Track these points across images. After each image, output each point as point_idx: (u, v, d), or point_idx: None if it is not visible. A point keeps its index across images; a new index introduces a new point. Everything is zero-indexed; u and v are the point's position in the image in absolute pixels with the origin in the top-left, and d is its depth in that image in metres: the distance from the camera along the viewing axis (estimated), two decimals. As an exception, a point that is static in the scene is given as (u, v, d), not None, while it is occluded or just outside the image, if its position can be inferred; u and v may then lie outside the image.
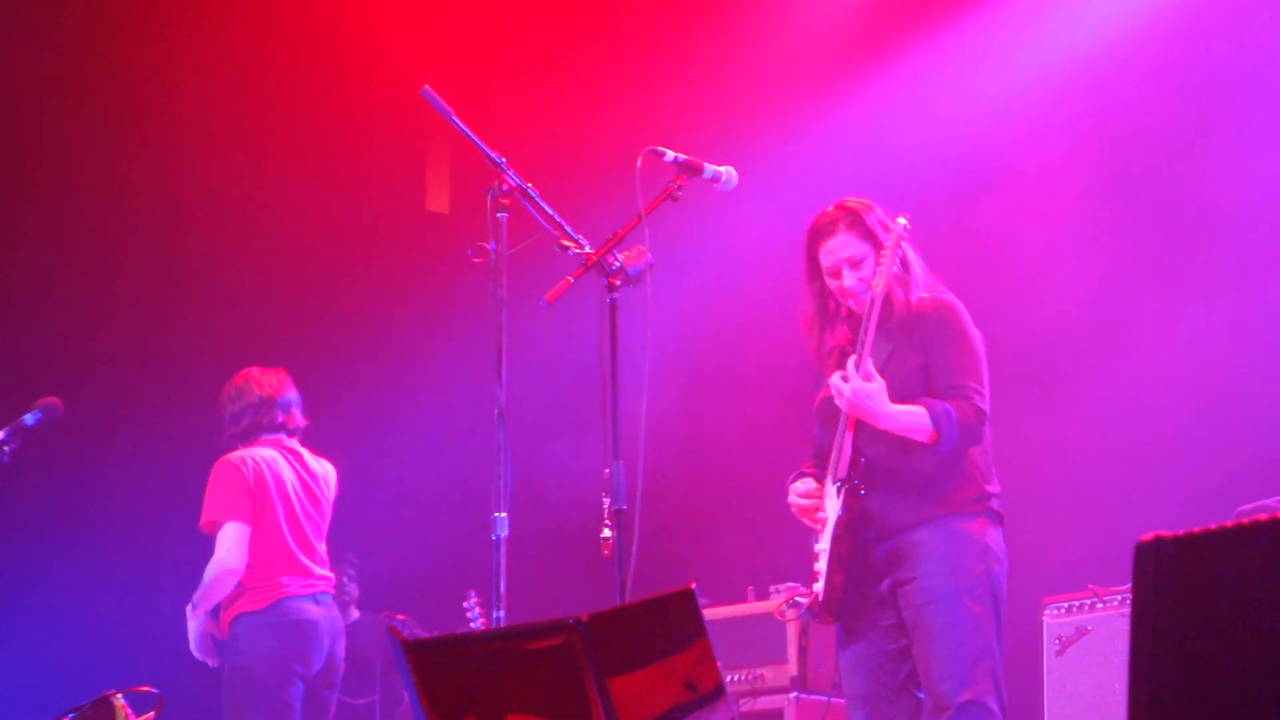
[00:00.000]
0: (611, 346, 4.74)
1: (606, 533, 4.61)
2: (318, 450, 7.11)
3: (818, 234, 5.24)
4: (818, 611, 5.14)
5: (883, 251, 5.08)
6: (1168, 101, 8.01)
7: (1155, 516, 5.42)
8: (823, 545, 5.13)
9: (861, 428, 5.07)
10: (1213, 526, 2.04)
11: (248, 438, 6.86)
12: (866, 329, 5.00)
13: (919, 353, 5.10)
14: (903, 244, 5.12)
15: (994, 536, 5.08)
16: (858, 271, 5.16)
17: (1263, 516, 2.08)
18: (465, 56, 9.05)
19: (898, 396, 5.01)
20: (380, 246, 9.79)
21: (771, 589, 7.58)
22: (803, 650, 5.66)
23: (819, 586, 5.11)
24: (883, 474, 5.07)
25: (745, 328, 8.78)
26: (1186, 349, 7.73)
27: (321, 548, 6.93)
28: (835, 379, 5.03)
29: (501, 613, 4.65)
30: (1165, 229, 7.97)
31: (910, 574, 5.01)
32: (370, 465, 8.99)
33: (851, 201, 5.27)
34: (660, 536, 7.90)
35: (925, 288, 5.20)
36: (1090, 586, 6.80)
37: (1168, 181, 7.91)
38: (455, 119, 4.89)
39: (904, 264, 5.17)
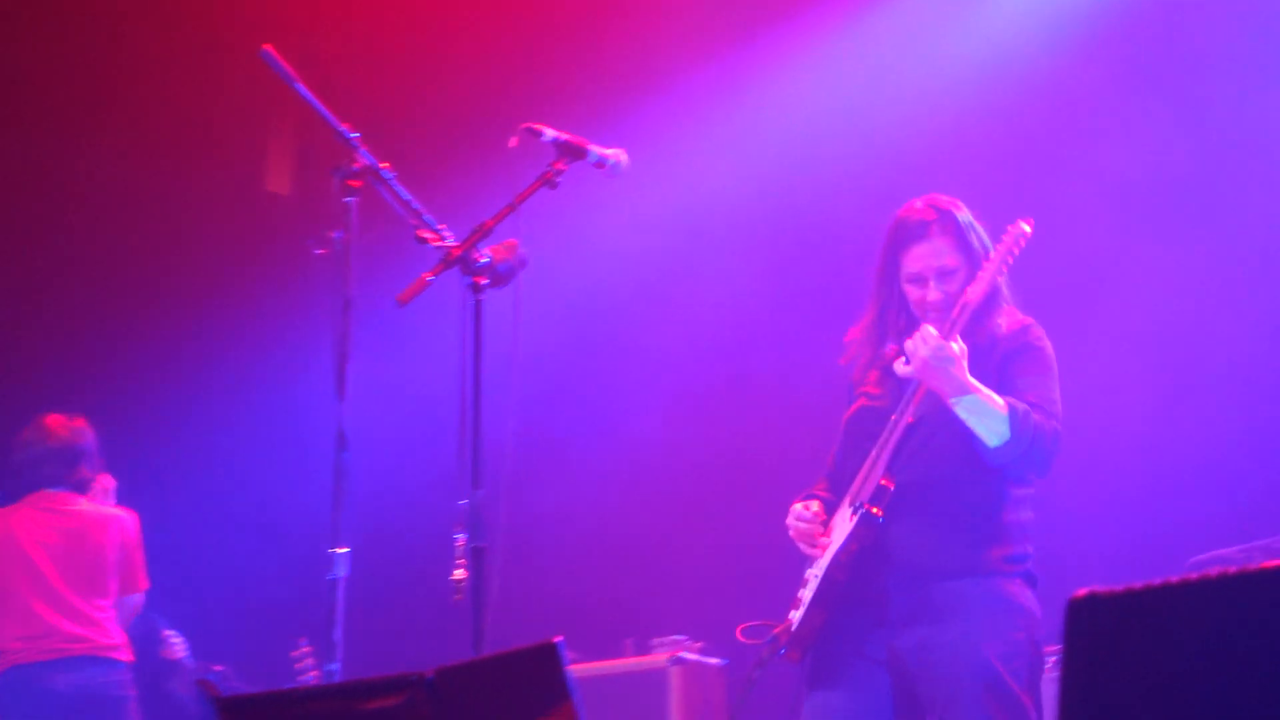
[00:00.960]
0: (474, 356, 4.71)
1: (460, 574, 4.58)
2: (125, 474, 7.18)
3: (907, 235, 5.18)
4: (785, 642, 5.06)
5: (990, 257, 5.01)
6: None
7: (1095, 568, 5.49)
8: (815, 571, 5.05)
9: (902, 448, 5.01)
10: (1155, 582, 2.07)
11: (18, 494, 7.23)
12: (959, 319, 4.92)
13: (993, 378, 5.01)
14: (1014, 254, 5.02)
15: (1033, 601, 5.01)
16: (946, 284, 5.12)
17: (1213, 572, 2.11)
18: (313, 14, 9.00)
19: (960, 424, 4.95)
20: (208, 232, 9.68)
21: (654, 641, 7.61)
22: (746, 687, 5.52)
23: (796, 615, 5.05)
24: (916, 505, 4.99)
25: (633, 337, 8.80)
26: (1132, 386, 7.83)
27: (95, 604, 7.09)
28: (910, 341, 4.90)
29: (336, 665, 4.61)
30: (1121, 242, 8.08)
31: (944, 632, 4.89)
32: (187, 490, 8.89)
33: (947, 201, 5.23)
34: (526, 579, 7.89)
35: (1006, 314, 5.18)
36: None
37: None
38: (300, 86, 4.85)
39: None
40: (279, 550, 8.69)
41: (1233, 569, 2.04)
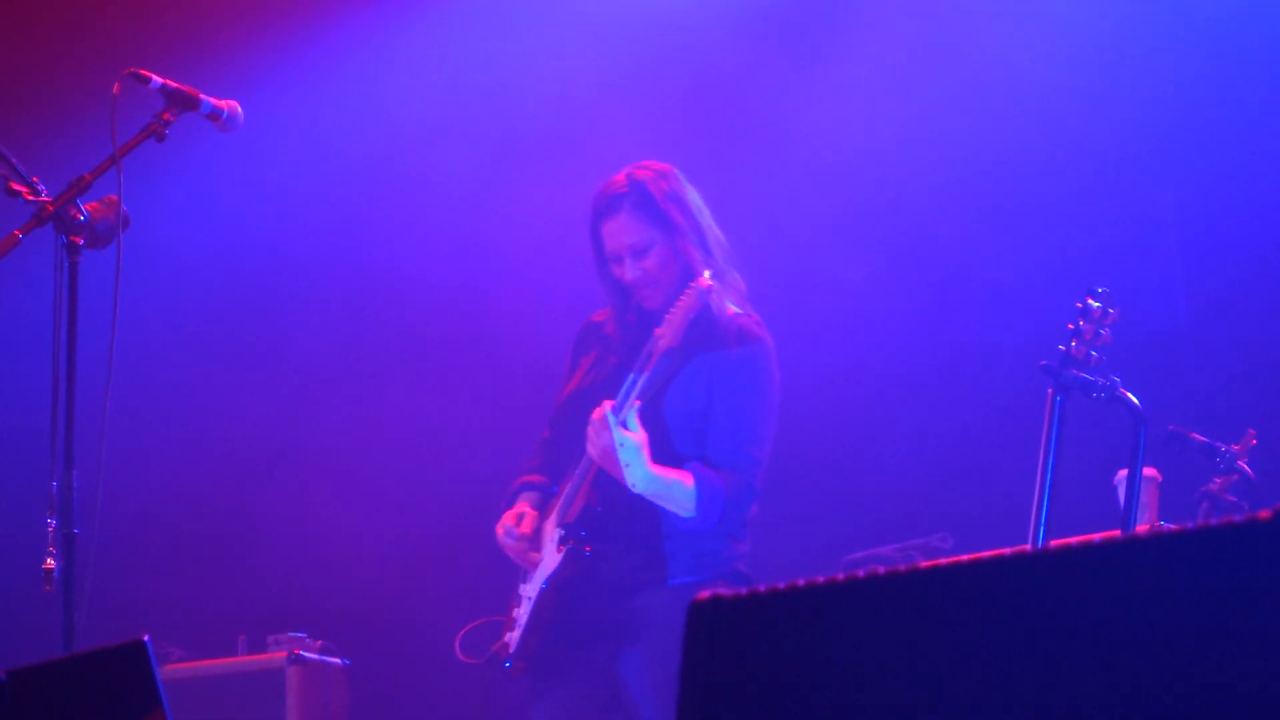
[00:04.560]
0: (69, 324, 4.62)
1: (50, 563, 4.49)
2: None
3: (602, 210, 5.40)
4: (507, 658, 5.32)
5: (677, 306, 5.11)
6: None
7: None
8: (528, 592, 5.33)
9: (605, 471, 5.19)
10: (780, 585, 2.11)
11: None
12: (644, 367, 5.09)
13: (705, 385, 5.23)
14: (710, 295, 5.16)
15: None
16: (642, 261, 5.34)
17: (860, 573, 2.16)
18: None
19: (670, 435, 5.18)
20: None
21: (270, 639, 7.51)
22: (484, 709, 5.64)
23: (512, 635, 5.32)
24: (617, 524, 5.23)
25: (259, 301, 8.65)
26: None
27: None
28: (596, 417, 5.08)
29: (-95, 664, 4.47)
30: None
31: (633, 643, 5.21)
32: None
33: (644, 172, 5.42)
34: (127, 570, 7.77)
35: (733, 299, 5.37)
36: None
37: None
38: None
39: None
40: None
41: (861, 572, 2.09)
